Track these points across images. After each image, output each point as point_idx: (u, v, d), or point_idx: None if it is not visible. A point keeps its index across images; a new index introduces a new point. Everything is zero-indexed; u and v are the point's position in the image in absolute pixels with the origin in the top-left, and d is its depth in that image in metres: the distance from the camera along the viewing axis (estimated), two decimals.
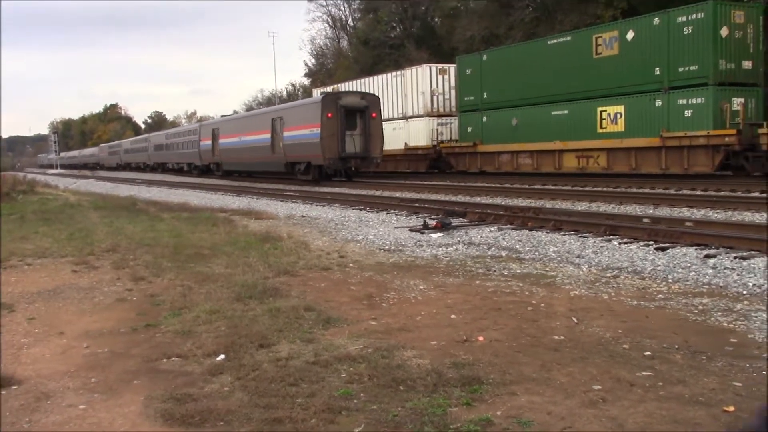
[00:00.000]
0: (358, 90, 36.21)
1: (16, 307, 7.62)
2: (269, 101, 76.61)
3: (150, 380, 5.02)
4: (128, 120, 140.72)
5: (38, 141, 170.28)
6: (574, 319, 6.25)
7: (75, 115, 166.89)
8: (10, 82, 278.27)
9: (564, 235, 11.61)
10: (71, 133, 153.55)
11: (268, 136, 35.01)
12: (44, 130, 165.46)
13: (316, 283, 8.39)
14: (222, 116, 51.55)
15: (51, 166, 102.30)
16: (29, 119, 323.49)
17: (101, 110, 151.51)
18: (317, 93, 43.60)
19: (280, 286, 8.06)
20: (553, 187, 21.61)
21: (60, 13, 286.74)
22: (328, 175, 30.91)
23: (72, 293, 8.30)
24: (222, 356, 5.43)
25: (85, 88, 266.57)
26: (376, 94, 33.52)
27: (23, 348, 6.03)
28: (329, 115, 29.58)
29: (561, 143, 25.85)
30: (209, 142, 44.29)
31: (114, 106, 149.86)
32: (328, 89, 42.80)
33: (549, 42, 27.08)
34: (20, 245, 12.49)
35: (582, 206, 16.33)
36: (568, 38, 26.14)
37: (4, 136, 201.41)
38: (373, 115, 30.75)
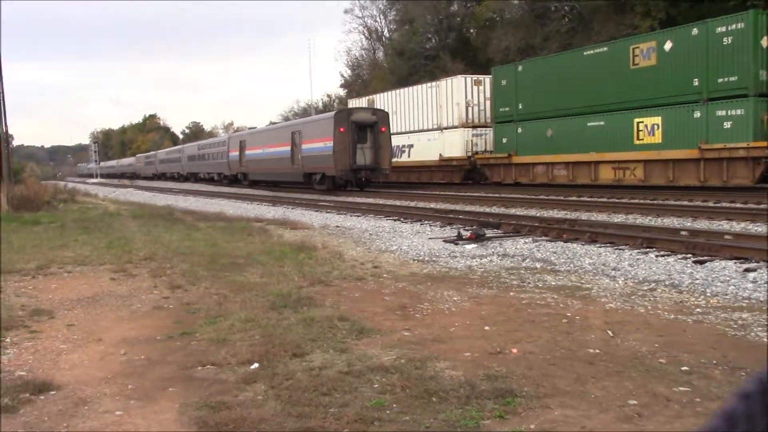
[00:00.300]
0: (371, 106, 38.28)
1: (56, 313, 7.76)
2: (305, 112, 77.17)
3: (185, 388, 5.08)
4: (166, 130, 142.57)
5: (79, 150, 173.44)
6: (610, 333, 6.18)
7: (115, 125, 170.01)
8: (50, 93, 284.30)
9: (600, 247, 11.50)
10: (111, 143, 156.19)
11: (289, 148, 37.14)
12: (85, 140, 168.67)
13: (350, 293, 8.42)
14: (250, 128, 54.38)
15: (91, 176, 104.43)
16: (70, 129, 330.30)
17: (140, 121, 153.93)
18: (351, 104, 44.40)
19: (314, 295, 8.10)
20: (588, 199, 21.41)
21: (99, 25, 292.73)
22: (340, 185, 32.79)
23: (110, 300, 8.44)
24: (256, 365, 5.47)
25: (124, 98, 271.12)
26: (386, 110, 35.61)
27: (62, 354, 6.14)
28: (341, 129, 31.73)
29: (597, 155, 25.60)
30: (237, 153, 46.35)
31: (153, 117, 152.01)
32: (363, 100, 43.38)
33: (585, 53, 26.88)
34: (60, 253, 12.74)
35: (618, 218, 16.15)
36: (605, 49, 25.91)
37: (47, 145, 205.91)
38: (383, 129, 32.85)
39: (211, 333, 6.56)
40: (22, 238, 15.58)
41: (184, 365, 5.64)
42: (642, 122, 23.92)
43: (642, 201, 19.79)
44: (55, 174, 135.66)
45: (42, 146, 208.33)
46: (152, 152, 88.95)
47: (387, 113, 34.86)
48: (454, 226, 15.37)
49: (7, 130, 38.11)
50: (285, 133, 38.74)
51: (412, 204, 23.62)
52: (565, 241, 12.31)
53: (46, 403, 4.84)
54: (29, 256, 12.30)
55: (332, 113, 35.28)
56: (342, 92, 73.43)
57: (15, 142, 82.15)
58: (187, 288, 9.01)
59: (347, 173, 31.90)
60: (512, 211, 19.24)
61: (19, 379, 5.33)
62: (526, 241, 12.70)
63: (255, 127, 53.99)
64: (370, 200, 26.16)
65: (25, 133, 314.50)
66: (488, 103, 33.55)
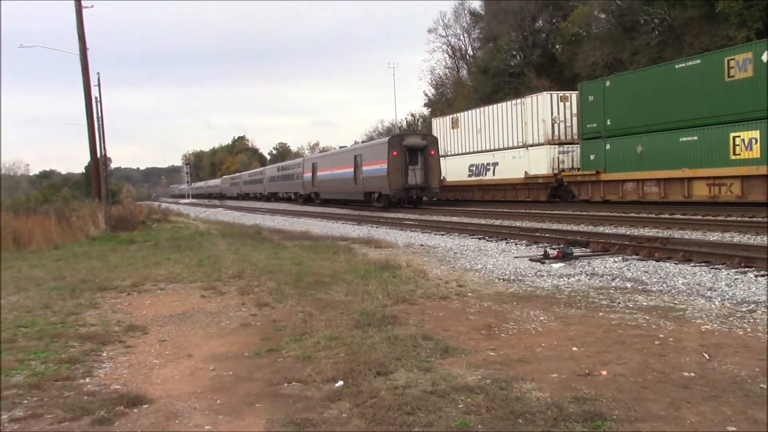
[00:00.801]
0: (455, 125, 41.14)
1: (149, 329, 8.02)
2: (389, 131, 77.86)
3: (271, 404, 5.14)
4: (254, 151, 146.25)
5: (172, 172, 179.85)
6: (706, 355, 5.92)
7: (205, 147, 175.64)
8: (144, 116, 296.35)
9: (694, 266, 11.09)
10: (202, 165, 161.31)
11: (352, 170, 41.31)
12: (178, 162, 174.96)
13: (435, 311, 8.37)
14: (322, 151, 57.94)
15: (183, 196, 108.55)
16: (164, 151, 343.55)
17: (229, 142, 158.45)
18: (435, 123, 44.89)
19: (398, 314, 8.09)
20: (681, 217, 20.72)
21: (188, 51, 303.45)
22: (394, 203, 36.35)
23: (200, 317, 8.66)
24: (340, 382, 5.49)
25: (212, 121, 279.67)
26: (435, 136, 39.90)
27: (154, 368, 6.33)
28: (394, 153, 35.47)
29: (690, 171, 24.76)
30: (310, 174, 50.98)
31: (241, 138, 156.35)
32: (447, 119, 43.69)
33: (677, 65, 26.11)
34: (154, 271, 13.20)
35: (714, 236, 15.54)
36: (698, 61, 25.10)
37: (142, 167, 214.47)
38: (432, 152, 36.48)
39: (296, 350, 6.63)
40: (118, 256, 16.24)
41: (271, 382, 5.71)
42: (738, 136, 22.99)
43: (740, 218, 19.01)
44: (150, 195, 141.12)
45: (137, 168, 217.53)
46: (237, 174, 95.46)
47: (436, 138, 38.81)
48: (541, 245, 15.12)
49: (105, 153, 39.89)
50: (349, 157, 42.78)
51: (497, 222, 23.39)
52: (657, 260, 11.93)
53: (140, 416, 4.99)
54: (125, 274, 12.80)
55: (386, 138, 39.40)
56: (426, 111, 73.71)
57: (113, 165, 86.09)
58: (273, 305, 9.17)
59: (400, 192, 35.46)
60: (601, 229, 18.79)
61: (114, 393, 5.52)
62: (616, 260, 12.37)
63: (326, 150, 59.83)
64: (449, 218, 26.05)
65: (122, 155, 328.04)
66: (575, 119, 33.05)
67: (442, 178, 38.96)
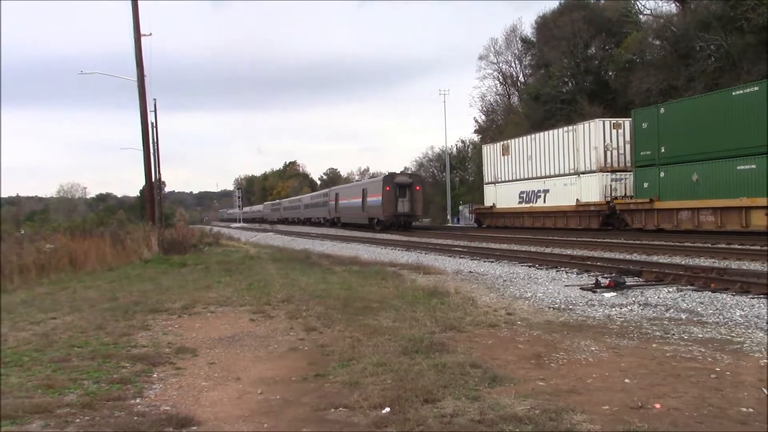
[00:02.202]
0: (505, 152, 40.89)
1: (199, 351, 8.11)
2: (439, 158, 77.96)
3: (318, 429, 5.13)
4: (305, 176, 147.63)
5: (224, 197, 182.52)
6: (765, 390, 5.72)
7: (256, 172, 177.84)
8: (196, 141, 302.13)
9: (752, 298, 10.76)
10: (253, 189, 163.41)
11: (361, 200, 52.34)
12: (229, 186, 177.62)
13: (483, 339, 8.28)
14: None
15: (234, 220, 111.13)
16: (216, 176, 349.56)
17: (280, 167, 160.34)
18: (485, 149, 45.98)
19: (446, 341, 8.03)
20: (739, 247, 20.18)
21: (239, 76, 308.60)
22: (387, 226, 46.24)
23: (249, 341, 8.72)
24: (387, 409, 5.45)
25: (263, 146, 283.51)
26: (420, 174, 55.26)
27: (203, 391, 6.38)
28: (387, 188, 46.37)
29: (748, 200, 24.14)
30: (334, 202, 61.64)
31: (293, 164, 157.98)
32: (498, 145, 43.77)
33: (734, 93, 25.59)
34: (204, 294, 13.37)
35: None
36: (756, 88, 24.57)
37: (195, 191, 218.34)
38: (417, 188, 47.48)
39: (343, 376, 6.62)
40: (170, 279, 16.50)
41: (318, 407, 5.70)
42: None
43: None
44: (202, 219, 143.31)
45: (190, 192, 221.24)
46: (277, 201, 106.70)
47: (420, 176, 54.92)
48: (592, 274, 14.88)
49: (159, 177, 40.75)
50: (359, 189, 54.48)
51: (548, 250, 23.12)
52: (714, 291, 11.61)
53: None
54: (176, 296, 12.99)
55: (381, 177, 50.73)
56: (476, 138, 73.59)
57: (166, 188, 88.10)
58: (321, 330, 9.18)
59: (391, 218, 46.53)
60: (654, 258, 18.41)
61: (163, 414, 5.58)
62: (670, 290, 12.08)
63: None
64: (498, 245, 25.84)
65: (175, 179, 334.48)
66: (628, 146, 32.63)
67: (492, 204, 44.26)
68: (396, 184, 46.58)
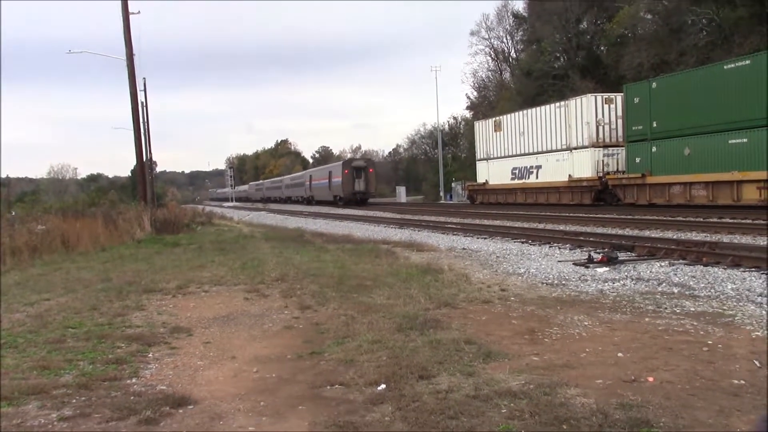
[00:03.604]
0: (498, 128, 40.38)
1: (194, 331, 8.13)
2: (431, 134, 77.88)
3: (314, 406, 5.16)
4: (297, 155, 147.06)
5: (216, 176, 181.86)
6: (757, 363, 5.78)
7: (248, 151, 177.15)
8: (187, 120, 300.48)
9: (744, 271, 10.83)
10: (245, 168, 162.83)
11: (327, 181, 62.18)
12: (221, 165, 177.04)
13: (477, 316, 8.32)
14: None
15: (227, 199, 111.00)
16: (208, 155, 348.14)
17: (272, 146, 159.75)
18: (477, 125, 45.25)
19: (440, 318, 8.06)
20: (730, 221, 20.28)
21: (230, 55, 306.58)
22: (347, 202, 56.01)
23: (244, 319, 8.74)
24: (383, 386, 5.48)
25: (254, 124, 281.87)
26: (372, 159, 69.94)
27: (199, 370, 6.41)
28: (346, 171, 56.99)
29: (740, 173, 24.21)
30: (308, 183, 71.10)
31: (284, 142, 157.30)
32: (490, 122, 43.57)
33: (726, 66, 25.58)
34: (198, 273, 13.37)
35: (764, 241, 15.17)
36: (748, 62, 24.56)
37: (186, 171, 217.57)
38: (370, 170, 58.18)
39: (339, 353, 6.65)
40: (163, 259, 16.49)
41: (314, 384, 5.73)
42: None
43: None
44: (194, 198, 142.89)
45: (182, 172, 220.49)
46: (260, 181, 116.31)
47: (372, 160, 68.98)
48: (585, 249, 14.94)
49: (151, 157, 40.56)
50: (326, 172, 64.45)
51: (540, 226, 23.18)
52: (705, 265, 11.68)
53: (185, 416, 5.05)
54: (170, 276, 13.00)
55: (341, 162, 63.00)
56: (468, 114, 73.47)
57: (158, 168, 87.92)
58: (316, 308, 9.21)
59: (349, 195, 56.58)
60: (646, 233, 18.48)
61: (160, 393, 5.60)
62: (662, 264, 12.15)
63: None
64: (491, 222, 25.90)
65: (167, 159, 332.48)
66: (620, 121, 32.64)
67: (484, 181, 44.98)
68: (353, 167, 57.64)
